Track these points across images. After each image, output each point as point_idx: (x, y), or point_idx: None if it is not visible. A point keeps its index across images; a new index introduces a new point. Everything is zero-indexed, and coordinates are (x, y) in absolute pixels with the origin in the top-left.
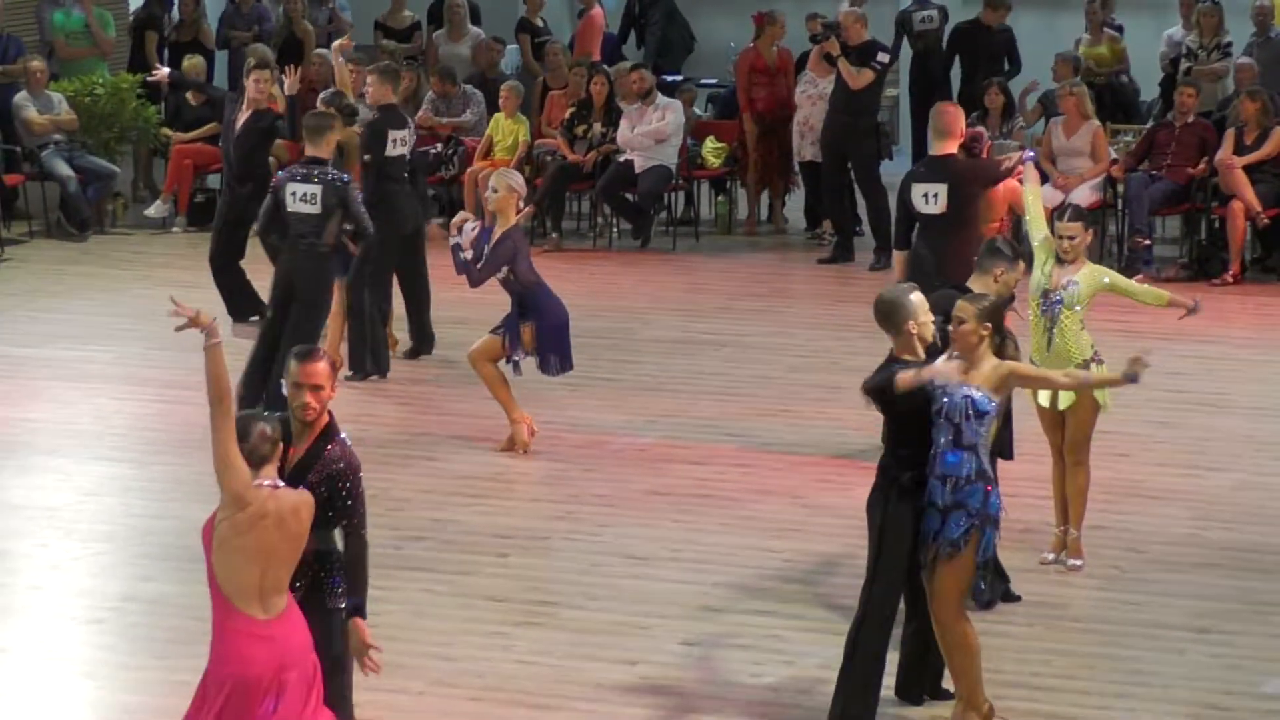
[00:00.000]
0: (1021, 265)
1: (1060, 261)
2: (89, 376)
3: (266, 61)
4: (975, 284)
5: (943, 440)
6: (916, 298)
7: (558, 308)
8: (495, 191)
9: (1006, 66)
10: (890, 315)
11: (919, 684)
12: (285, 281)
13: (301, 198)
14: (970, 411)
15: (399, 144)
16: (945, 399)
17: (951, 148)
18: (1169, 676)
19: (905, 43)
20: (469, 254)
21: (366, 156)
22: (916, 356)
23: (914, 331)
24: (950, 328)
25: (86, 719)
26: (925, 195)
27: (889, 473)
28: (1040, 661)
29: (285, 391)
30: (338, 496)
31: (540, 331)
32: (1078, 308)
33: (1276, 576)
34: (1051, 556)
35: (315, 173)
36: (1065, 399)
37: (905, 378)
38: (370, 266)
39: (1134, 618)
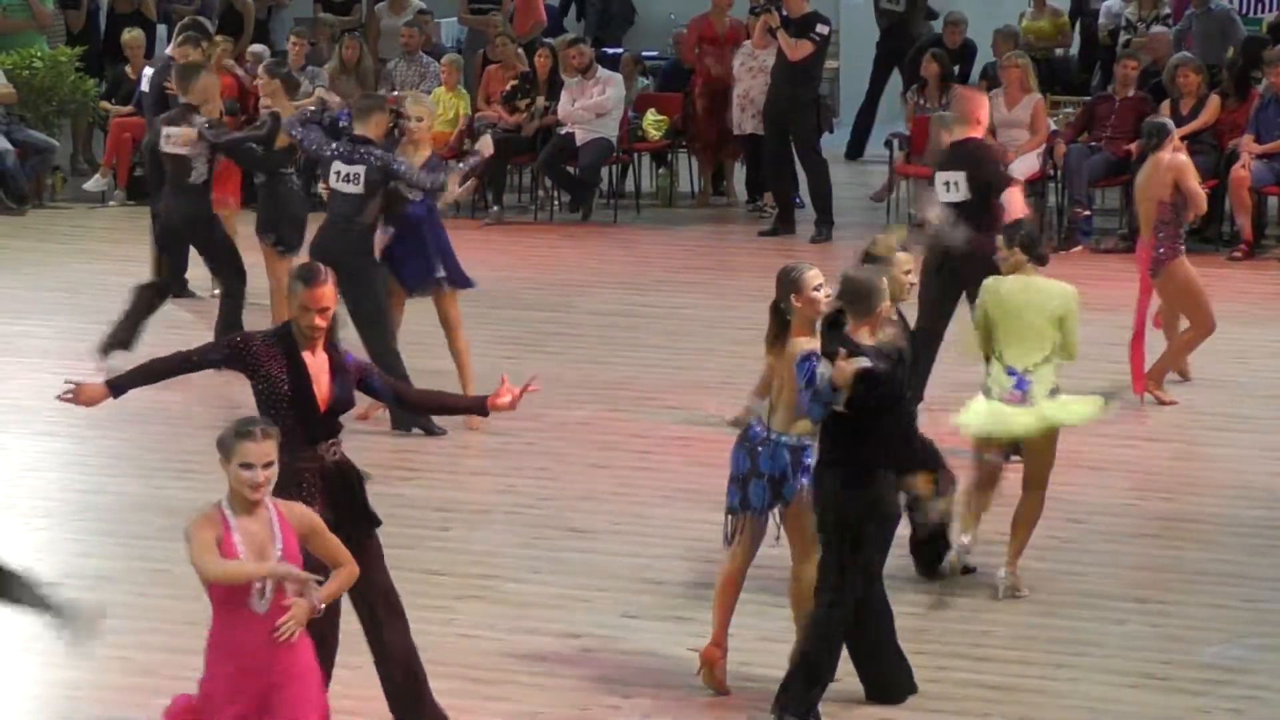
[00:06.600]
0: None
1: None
2: (26, 351)
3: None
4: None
5: None
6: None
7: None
8: (420, 120)
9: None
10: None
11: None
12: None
13: (345, 178)
14: None
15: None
16: None
17: (972, 133)
18: (1109, 646)
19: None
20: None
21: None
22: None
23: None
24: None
25: (29, 694)
26: (947, 184)
27: None
28: (981, 633)
29: (291, 312)
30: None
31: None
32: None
33: (1213, 546)
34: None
35: (360, 152)
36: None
37: None
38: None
39: (1074, 588)
